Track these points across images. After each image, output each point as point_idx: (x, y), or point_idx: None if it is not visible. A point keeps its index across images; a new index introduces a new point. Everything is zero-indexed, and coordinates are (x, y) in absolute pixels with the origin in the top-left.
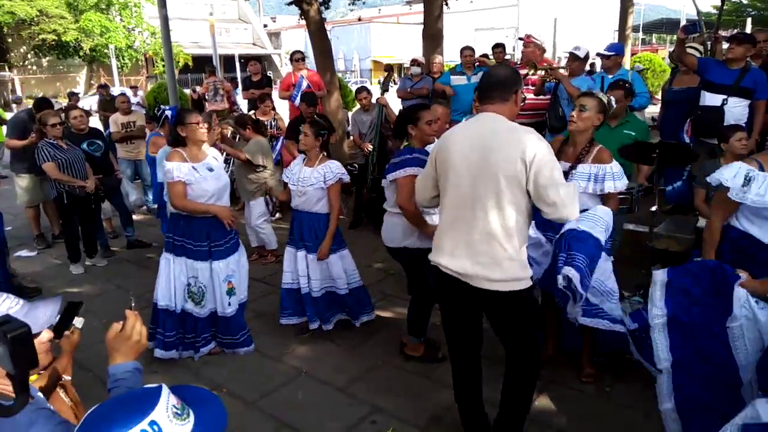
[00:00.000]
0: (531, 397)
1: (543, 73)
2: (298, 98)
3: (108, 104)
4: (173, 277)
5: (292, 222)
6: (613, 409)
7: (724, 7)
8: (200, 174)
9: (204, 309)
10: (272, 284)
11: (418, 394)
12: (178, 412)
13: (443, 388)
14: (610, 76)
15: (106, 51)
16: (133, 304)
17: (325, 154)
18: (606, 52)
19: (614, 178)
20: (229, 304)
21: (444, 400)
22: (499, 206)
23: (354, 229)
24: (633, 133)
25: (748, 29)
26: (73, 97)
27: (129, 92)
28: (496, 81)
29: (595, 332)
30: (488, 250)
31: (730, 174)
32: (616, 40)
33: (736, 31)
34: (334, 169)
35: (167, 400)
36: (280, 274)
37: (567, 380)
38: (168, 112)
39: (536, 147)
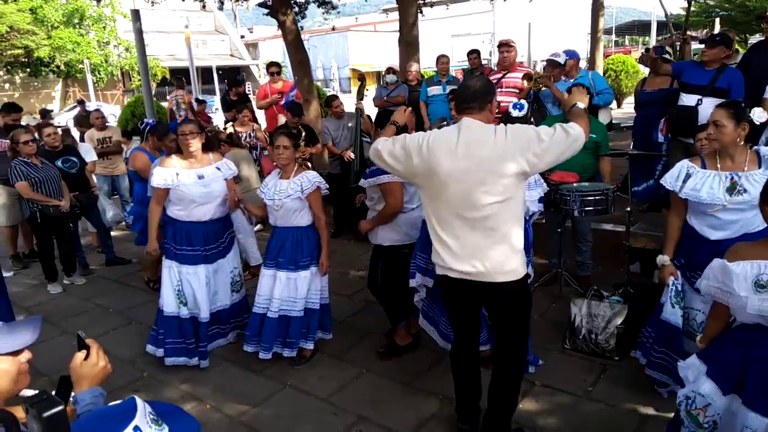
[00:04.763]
0: (518, 392)
1: (533, 82)
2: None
3: (84, 120)
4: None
5: (270, 240)
6: (595, 408)
7: (692, 8)
8: (180, 180)
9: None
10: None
11: (403, 401)
12: (155, 418)
13: (429, 395)
14: (571, 80)
15: (81, 66)
16: (83, 335)
17: (307, 164)
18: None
19: None
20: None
21: (430, 407)
22: (501, 204)
23: (336, 238)
24: (593, 136)
25: (717, 29)
26: (46, 114)
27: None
28: (473, 92)
29: None
30: (495, 246)
31: (673, 172)
32: (589, 44)
33: (705, 31)
34: (310, 178)
35: (143, 407)
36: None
37: (550, 381)
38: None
39: (518, 131)
